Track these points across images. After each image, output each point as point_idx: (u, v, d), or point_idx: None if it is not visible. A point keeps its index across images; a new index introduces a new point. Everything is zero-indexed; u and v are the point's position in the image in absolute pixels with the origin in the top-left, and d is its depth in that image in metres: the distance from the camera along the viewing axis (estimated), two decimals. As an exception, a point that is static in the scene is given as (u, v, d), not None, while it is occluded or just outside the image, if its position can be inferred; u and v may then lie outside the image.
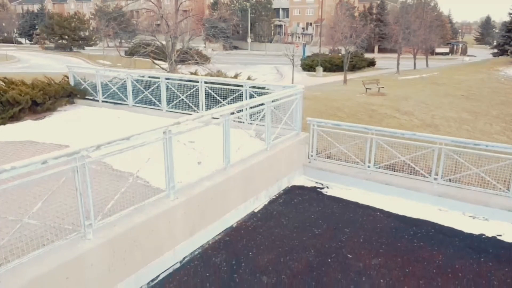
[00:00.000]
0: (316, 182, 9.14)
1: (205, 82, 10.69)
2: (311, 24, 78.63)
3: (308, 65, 46.71)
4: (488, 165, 7.71)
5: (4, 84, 12.24)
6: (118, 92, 12.39)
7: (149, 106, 11.75)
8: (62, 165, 4.57)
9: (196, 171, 6.77)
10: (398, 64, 41.37)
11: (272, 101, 8.16)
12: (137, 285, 5.51)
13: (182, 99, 10.95)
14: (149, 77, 12.13)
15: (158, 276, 5.80)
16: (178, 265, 6.08)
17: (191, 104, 10.87)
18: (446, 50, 72.82)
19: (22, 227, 4.43)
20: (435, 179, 8.14)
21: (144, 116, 11.29)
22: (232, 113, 7.15)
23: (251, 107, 7.78)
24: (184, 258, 6.24)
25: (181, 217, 6.10)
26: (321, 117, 9.81)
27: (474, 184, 7.89)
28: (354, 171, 8.98)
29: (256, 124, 8.12)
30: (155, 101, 11.60)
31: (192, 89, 10.75)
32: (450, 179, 8.06)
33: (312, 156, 9.51)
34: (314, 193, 8.69)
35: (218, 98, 10.34)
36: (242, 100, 9.43)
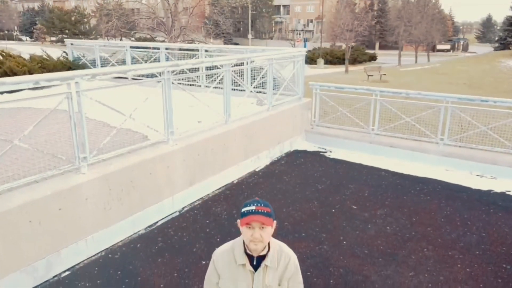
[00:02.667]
0: (319, 147, 8.93)
1: (206, 51, 10.50)
2: (312, 21, 78.48)
3: (309, 58, 46.45)
4: (496, 122, 7.50)
5: (1, 57, 12.07)
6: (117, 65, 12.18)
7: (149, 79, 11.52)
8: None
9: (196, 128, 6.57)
10: (399, 56, 41.20)
11: (274, 60, 7.96)
12: (134, 228, 5.30)
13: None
14: (149, 48, 11.92)
15: (156, 222, 5.60)
16: (177, 213, 5.88)
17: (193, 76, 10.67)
18: (447, 47, 72.57)
19: (13, 150, 4.23)
20: (441, 139, 7.93)
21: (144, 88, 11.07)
22: (233, 66, 6.95)
23: (252, 62, 7.57)
24: (183, 208, 6.03)
25: (180, 164, 5.90)
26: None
27: (481, 143, 7.68)
28: (358, 135, 8.78)
29: (257, 86, 7.91)
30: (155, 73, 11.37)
31: (192, 58, 10.55)
32: (456, 139, 7.84)
33: (314, 121, 9.31)
34: (317, 156, 8.49)
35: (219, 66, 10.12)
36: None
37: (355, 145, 8.63)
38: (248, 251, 2.22)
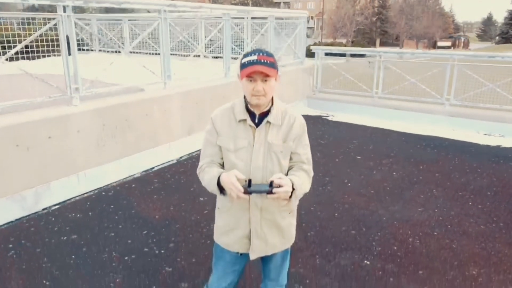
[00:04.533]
0: (321, 112, 8.70)
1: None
2: (312, 18, 78.26)
3: (309, 51, 46.24)
4: (504, 79, 7.27)
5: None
6: (116, 40, 11.97)
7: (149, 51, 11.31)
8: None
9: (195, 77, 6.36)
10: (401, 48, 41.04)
11: (276, 19, 7.74)
12: (130, 171, 5.07)
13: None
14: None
15: (153, 168, 5.37)
16: (174, 161, 5.65)
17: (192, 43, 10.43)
18: (448, 43, 72.22)
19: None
20: (447, 99, 7.70)
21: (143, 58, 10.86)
22: (233, 18, 6.73)
23: (253, 18, 7.35)
24: (181, 157, 5.81)
25: (177, 110, 5.67)
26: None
27: (489, 102, 7.45)
28: (361, 100, 8.55)
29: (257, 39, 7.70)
30: (154, 45, 11.16)
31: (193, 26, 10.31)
32: (463, 98, 7.61)
33: (317, 87, 9.08)
34: (319, 119, 8.26)
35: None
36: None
37: (358, 109, 8.41)
38: (249, 108, 1.99)
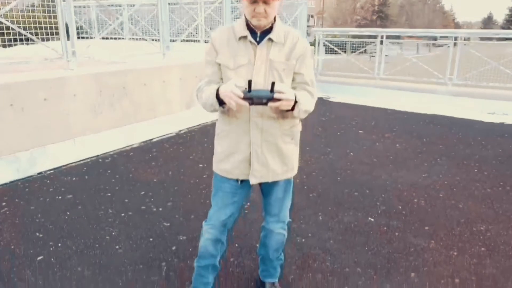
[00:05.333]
0: (323, 94, 8.59)
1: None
2: (312, 16, 78.16)
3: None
4: (508, 57, 7.17)
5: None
6: (117, 28, 11.86)
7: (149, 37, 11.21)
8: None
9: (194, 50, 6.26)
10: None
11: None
12: (128, 141, 4.97)
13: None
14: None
15: (152, 139, 5.26)
16: (173, 134, 5.55)
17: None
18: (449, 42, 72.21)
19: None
20: (450, 79, 7.60)
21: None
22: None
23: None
24: (180, 130, 5.70)
25: (176, 82, 5.57)
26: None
27: (492, 81, 7.35)
28: (363, 81, 8.46)
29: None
30: (154, 31, 11.07)
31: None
32: (466, 78, 7.52)
33: (318, 70, 8.98)
34: (320, 100, 8.11)
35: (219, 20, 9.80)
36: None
37: (360, 90, 8.31)
38: (250, 26, 1.89)
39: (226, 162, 1.98)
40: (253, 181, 1.96)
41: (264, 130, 1.91)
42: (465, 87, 7.52)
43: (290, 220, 2.25)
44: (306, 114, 1.90)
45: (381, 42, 8.16)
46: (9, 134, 3.81)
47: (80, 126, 4.40)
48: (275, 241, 2.22)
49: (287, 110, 1.78)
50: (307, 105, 1.86)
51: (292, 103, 1.73)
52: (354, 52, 8.93)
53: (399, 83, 8.06)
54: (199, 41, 9.93)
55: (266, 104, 1.70)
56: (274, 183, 2.07)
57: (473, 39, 7.35)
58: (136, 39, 11.39)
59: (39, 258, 2.67)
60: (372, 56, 24.64)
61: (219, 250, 2.17)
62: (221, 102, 1.78)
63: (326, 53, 9.16)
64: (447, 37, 7.62)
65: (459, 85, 7.54)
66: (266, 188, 2.11)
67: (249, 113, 1.89)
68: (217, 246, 2.15)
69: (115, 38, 11.61)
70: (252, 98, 1.67)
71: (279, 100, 1.70)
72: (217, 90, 1.77)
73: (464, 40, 7.38)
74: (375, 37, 8.26)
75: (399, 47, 10.98)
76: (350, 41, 8.72)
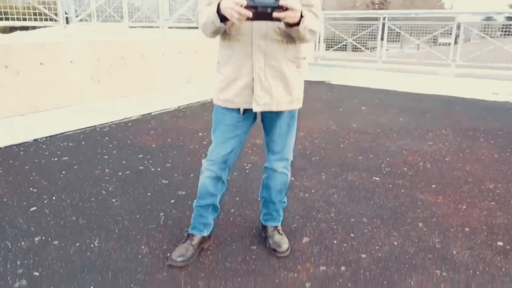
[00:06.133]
0: (324, 78, 8.49)
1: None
2: (313, 15, 78.06)
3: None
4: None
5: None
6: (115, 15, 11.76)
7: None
8: None
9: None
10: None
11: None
12: (126, 113, 4.87)
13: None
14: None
15: (151, 113, 5.16)
16: (173, 109, 5.45)
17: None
18: (449, 41, 72.18)
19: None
20: (453, 60, 7.50)
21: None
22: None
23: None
24: (179, 106, 5.60)
25: (176, 56, 5.47)
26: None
27: (496, 61, 7.25)
28: (365, 65, 8.35)
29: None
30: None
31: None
32: (470, 59, 7.41)
33: (319, 54, 8.88)
34: (321, 83, 8.05)
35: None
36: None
37: (363, 74, 8.19)
38: None
39: (227, 90, 1.88)
40: (256, 108, 1.86)
41: (268, 54, 1.81)
42: (469, 68, 7.41)
43: (293, 159, 2.15)
44: (311, 36, 1.79)
45: (383, 24, 8.05)
46: (4, 97, 3.72)
47: (77, 94, 4.31)
48: (278, 182, 2.12)
49: (292, 26, 1.68)
50: (312, 24, 1.76)
51: (298, 15, 1.63)
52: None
53: (402, 66, 7.95)
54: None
55: (271, 15, 1.60)
56: (278, 116, 1.97)
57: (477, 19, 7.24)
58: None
59: (32, 209, 2.57)
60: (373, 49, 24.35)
61: (219, 189, 2.08)
62: (222, 19, 1.68)
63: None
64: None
65: (463, 66, 7.44)
66: (269, 122, 2.01)
67: (252, 36, 1.79)
68: (217, 185, 2.05)
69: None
70: (256, 6, 1.57)
71: (284, 11, 1.59)
72: (218, 6, 1.67)
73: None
74: (377, 19, 8.16)
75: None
76: (352, 23, 8.62)
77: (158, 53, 5.16)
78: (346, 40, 8.48)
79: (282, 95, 1.89)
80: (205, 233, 2.10)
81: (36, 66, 3.90)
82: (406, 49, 8.91)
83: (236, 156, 2.05)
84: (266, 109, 1.88)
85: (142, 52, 4.95)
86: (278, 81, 1.86)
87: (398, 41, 8.87)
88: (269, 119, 2.00)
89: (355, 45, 8.48)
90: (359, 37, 8.39)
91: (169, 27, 10.31)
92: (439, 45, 8.07)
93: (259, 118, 2.04)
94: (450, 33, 7.46)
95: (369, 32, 8.13)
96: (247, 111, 1.92)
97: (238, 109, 1.91)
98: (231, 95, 1.88)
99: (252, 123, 2.01)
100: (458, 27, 7.25)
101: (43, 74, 3.95)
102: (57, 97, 4.12)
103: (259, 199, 2.25)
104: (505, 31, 7.34)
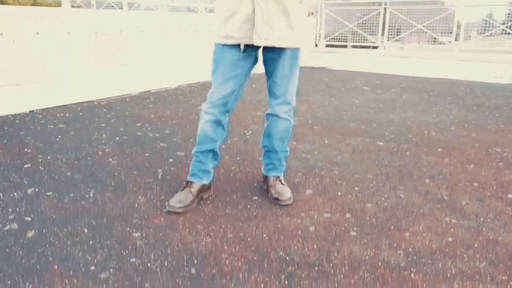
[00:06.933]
0: (325, 64, 8.41)
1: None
2: (312, 13, 78.03)
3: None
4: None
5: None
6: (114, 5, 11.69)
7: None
8: None
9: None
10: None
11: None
12: (125, 90, 4.79)
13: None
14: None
15: (150, 90, 5.08)
16: (173, 87, 5.37)
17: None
18: (450, 39, 72.04)
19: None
20: (455, 45, 7.42)
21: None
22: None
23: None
24: (179, 85, 5.52)
25: (175, 33, 5.39)
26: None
27: (499, 45, 7.17)
28: (367, 50, 8.27)
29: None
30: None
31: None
32: (473, 43, 7.33)
33: (319, 40, 8.80)
34: (322, 69, 7.96)
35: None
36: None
37: (364, 59, 8.10)
38: None
39: (227, 25, 1.80)
40: (257, 42, 1.77)
41: (269, -15, 1.73)
42: (471, 52, 7.33)
43: (295, 105, 2.07)
44: None
45: (385, 10, 7.97)
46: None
47: (75, 67, 4.22)
48: (280, 128, 2.04)
49: None
50: None
51: None
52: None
53: (404, 51, 7.87)
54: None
55: None
56: (280, 55, 1.89)
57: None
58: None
59: (26, 166, 2.49)
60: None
61: (220, 134, 1.99)
62: None
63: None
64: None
65: (466, 50, 7.35)
66: (271, 63, 1.93)
67: (253, -35, 1.72)
68: (217, 129, 1.97)
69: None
70: None
71: None
72: None
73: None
74: (379, 3, 8.07)
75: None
76: (354, 8, 8.53)
77: (157, 30, 5.08)
78: (347, 26, 8.39)
79: (284, 30, 1.81)
80: (205, 180, 2.02)
81: (32, 36, 3.81)
82: (405, 45, 8.82)
83: (237, 100, 1.97)
84: (268, 44, 1.80)
85: (140, 28, 4.87)
86: (280, 14, 1.78)
87: (399, 40, 8.80)
88: (271, 59, 1.92)
89: (356, 40, 8.39)
90: (361, 23, 8.30)
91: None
92: (440, 43, 7.97)
93: (260, 59, 1.96)
94: (451, 32, 7.41)
95: (370, 22, 8.04)
96: (248, 49, 1.84)
97: (239, 46, 1.83)
98: (231, 30, 1.80)
99: (253, 63, 1.93)
100: (459, 26, 7.19)
101: (40, 46, 3.87)
102: (54, 69, 4.04)
103: (261, 148, 2.17)
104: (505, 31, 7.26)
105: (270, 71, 1.96)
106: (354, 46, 8.70)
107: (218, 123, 1.95)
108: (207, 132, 1.97)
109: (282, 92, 1.97)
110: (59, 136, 3.11)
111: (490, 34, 7.23)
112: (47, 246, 1.62)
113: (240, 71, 1.89)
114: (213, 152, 2.01)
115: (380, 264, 1.54)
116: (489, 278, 1.47)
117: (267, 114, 2.07)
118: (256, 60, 1.94)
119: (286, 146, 2.13)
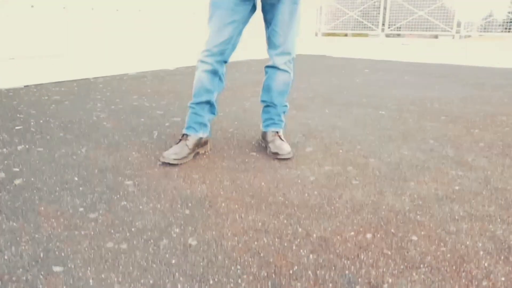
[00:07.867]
0: (325, 53, 8.33)
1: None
2: (313, 12, 77.99)
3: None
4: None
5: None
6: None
7: None
8: None
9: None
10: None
11: None
12: (122, 69, 4.71)
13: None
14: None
15: (147, 71, 5.01)
16: (170, 69, 5.29)
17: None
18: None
19: None
20: (457, 31, 7.34)
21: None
22: None
23: None
24: (177, 68, 5.45)
25: (175, 17, 5.31)
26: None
27: (504, 31, 7.09)
28: (367, 38, 8.19)
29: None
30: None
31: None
32: (476, 29, 7.26)
33: (320, 29, 8.73)
34: (323, 57, 7.89)
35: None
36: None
37: (365, 47, 8.04)
38: None
39: (224, -35, 1.73)
40: None
41: None
42: (473, 39, 7.26)
43: (294, 56, 1.99)
44: None
45: (386, -3, 7.89)
46: (-7, 37, 3.56)
47: (70, 42, 4.15)
48: (280, 81, 1.97)
49: None
50: None
51: None
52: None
53: (405, 38, 7.79)
54: None
55: None
56: (279, 1, 1.81)
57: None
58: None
59: (17, 127, 2.41)
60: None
61: (216, 85, 1.92)
62: None
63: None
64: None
65: (468, 37, 7.28)
66: (269, 9, 1.85)
67: None
68: (214, 80, 1.90)
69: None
70: None
71: None
72: None
73: None
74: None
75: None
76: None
77: (156, 9, 5.01)
78: (348, 14, 8.32)
79: None
80: (201, 134, 1.94)
81: (27, 8, 3.74)
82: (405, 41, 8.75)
83: (233, 49, 1.90)
84: None
85: (138, 7, 4.80)
86: None
87: (399, 35, 8.72)
88: (270, 5, 1.84)
89: (356, 28, 8.32)
90: (363, 9, 8.22)
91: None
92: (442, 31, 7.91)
93: (259, 7, 1.89)
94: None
95: (371, 10, 7.96)
96: (245, -8, 1.76)
97: (236, -11, 1.75)
98: None
99: (251, 11, 1.85)
100: (459, 25, 7.13)
101: (34, 18, 3.79)
102: (49, 44, 3.97)
103: (260, 102, 2.09)
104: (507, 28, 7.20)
105: (269, 19, 1.88)
106: (354, 35, 8.64)
107: (215, 73, 1.88)
108: (203, 83, 1.89)
109: (282, 41, 1.90)
110: (53, 105, 3.03)
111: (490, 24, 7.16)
112: (35, 191, 1.54)
113: (238, 17, 1.81)
114: (210, 104, 1.94)
115: (384, 207, 1.47)
116: (499, 220, 1.39)
117: (266, 67, 1.99)
118: (254, 8, 1.86)
119: (285, 101, 2.05)
